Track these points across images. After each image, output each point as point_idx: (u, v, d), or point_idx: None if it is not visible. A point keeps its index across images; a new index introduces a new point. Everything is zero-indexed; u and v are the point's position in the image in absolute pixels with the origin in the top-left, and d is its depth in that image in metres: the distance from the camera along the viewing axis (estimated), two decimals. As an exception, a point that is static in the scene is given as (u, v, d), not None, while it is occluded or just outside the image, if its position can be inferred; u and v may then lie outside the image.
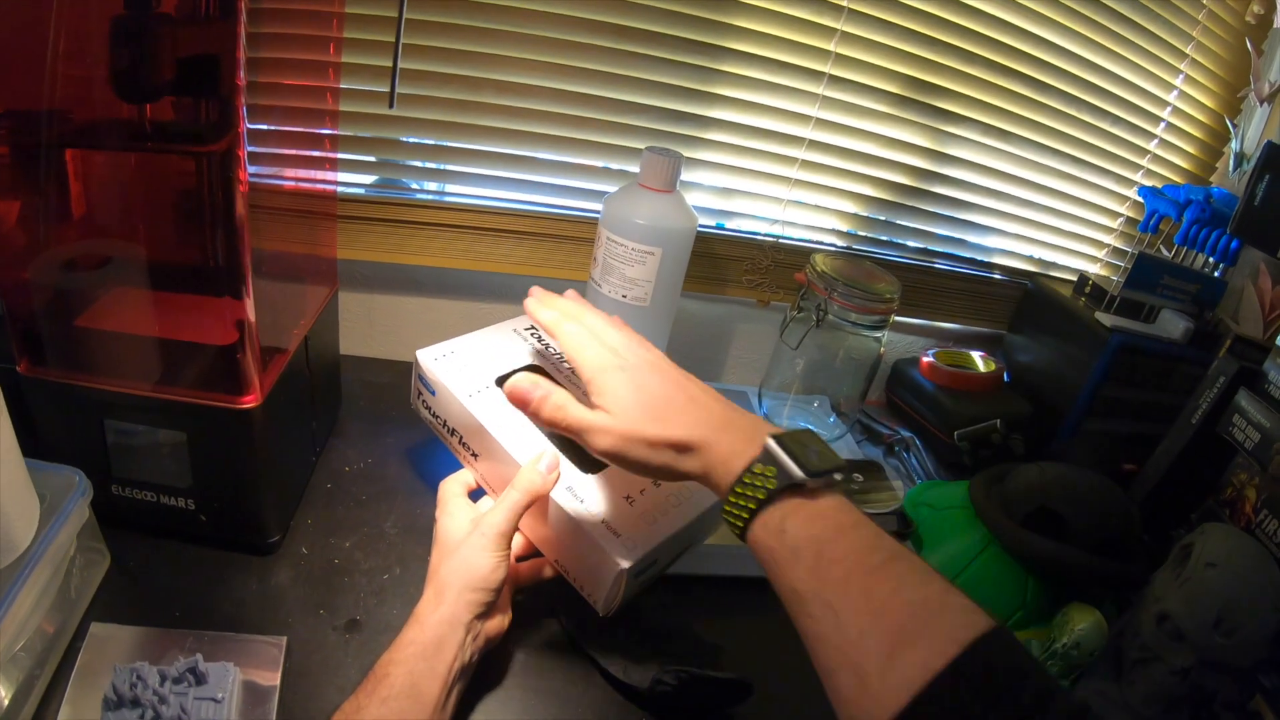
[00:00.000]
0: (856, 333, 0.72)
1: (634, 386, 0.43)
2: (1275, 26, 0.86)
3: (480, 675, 0.50)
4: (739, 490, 0.39)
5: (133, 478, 0.52)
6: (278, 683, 0.47)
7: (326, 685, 0.48)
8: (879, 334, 0.73)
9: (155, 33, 0.43)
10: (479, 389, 0.55)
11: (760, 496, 0.38)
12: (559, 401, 0.45)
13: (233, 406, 0.49)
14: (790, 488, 0.38)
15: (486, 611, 0.46)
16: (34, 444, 0.48)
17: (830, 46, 0.78)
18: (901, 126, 0.85)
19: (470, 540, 0.46)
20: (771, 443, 0.39)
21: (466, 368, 0.57)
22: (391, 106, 0.55)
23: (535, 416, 0.46)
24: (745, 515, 0.38)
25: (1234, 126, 0.92)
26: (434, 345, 0.58)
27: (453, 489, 0.53)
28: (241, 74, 0.42)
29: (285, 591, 0.53)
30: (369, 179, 0.79)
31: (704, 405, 0.43)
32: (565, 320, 0.48)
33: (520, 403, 0.46)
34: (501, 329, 0.61)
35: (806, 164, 0.84)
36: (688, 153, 0.80)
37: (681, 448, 0.41)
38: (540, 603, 0.56)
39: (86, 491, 0.48)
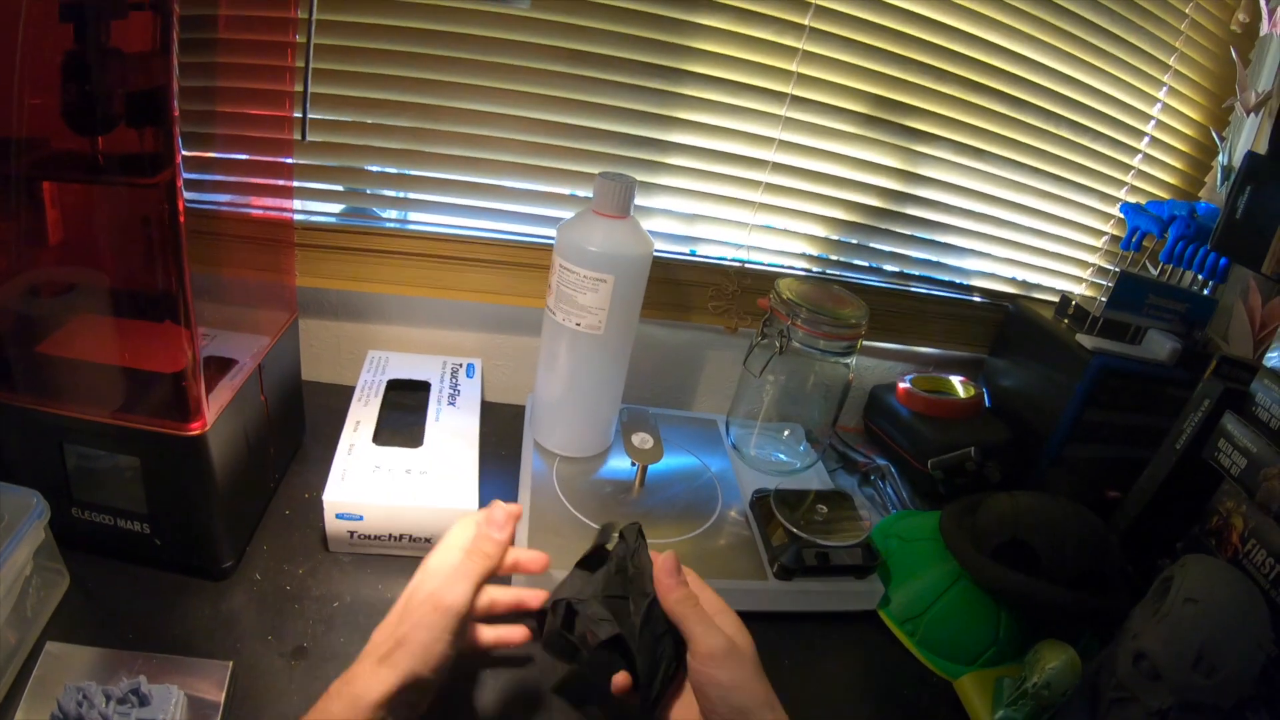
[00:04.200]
0: (825, 359, 0.71)
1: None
2: (1261, 35, 0.84)
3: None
4: None
5: (92, 501, 0.54)
6: (220, 707, 0.47)
7: (269, 711, 0.48)
8: (848, 360, 0.72)
9: (101, 66, 0.45)
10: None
11: None
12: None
13: (181, 433, 0.50)
14: None
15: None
16: (-4, 466, 0.50)
17: (793, 66, 0.77)
18: (870, 147, 0.84)
19: None
20: None
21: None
22: (303, 139, 0.56)
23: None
24: None
25: (1221, 139, 0.89)
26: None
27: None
28: (175, 104, 0.43)
29: (236, 616, 0.54)
30: (337, 208, 0.80)
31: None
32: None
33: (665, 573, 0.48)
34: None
35: (771, 187, 0.83)
36: (649, 178, 0.80)
37: None
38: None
39: (43, 513, 0.49)
